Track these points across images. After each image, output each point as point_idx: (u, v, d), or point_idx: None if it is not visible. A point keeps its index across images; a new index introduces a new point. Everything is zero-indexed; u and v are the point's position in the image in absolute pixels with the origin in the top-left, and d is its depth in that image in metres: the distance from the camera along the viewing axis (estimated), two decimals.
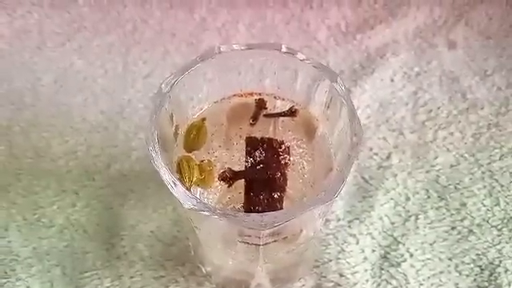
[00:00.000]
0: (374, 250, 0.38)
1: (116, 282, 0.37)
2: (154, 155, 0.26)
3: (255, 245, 0.27)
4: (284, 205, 0.28)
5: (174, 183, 0.25)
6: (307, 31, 0.48)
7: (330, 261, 0.38)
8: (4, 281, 0.37)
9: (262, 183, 0.28)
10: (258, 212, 0.27)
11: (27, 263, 0.38)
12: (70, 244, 0.38)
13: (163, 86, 0.27)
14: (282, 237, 0.27)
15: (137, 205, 0.40)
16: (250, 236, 0.26)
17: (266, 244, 0.27)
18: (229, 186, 0.29)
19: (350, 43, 0.48)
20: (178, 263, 0.38)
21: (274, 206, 0.28)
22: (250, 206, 0.28)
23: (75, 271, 0.37)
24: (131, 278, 0.37)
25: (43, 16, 0.50)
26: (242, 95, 0.31)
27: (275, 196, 0.28)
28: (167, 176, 0.25)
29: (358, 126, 0.26)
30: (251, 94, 0.31)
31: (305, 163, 0.30)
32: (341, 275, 0.37)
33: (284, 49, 0.29)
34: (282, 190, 0.28)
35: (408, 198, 0.40)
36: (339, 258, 0.38)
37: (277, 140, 0.30)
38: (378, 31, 0.48)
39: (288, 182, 0.29)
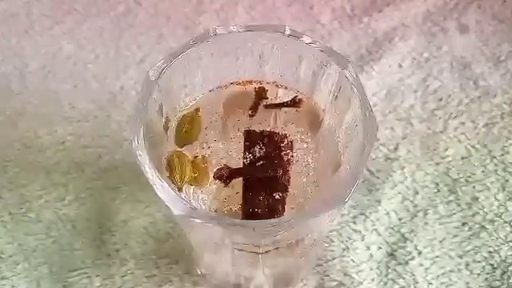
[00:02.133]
0: (380, 248, 0.36)
1: (106, 282, 0.35)
2: (138, 152, 0.23)
3: (254, 253, 0.25)
4: (286, 207, 0.25)
5: (163, 186, 0.22)
6: (310, 14, 0.46)
7: (334, 259, 0.36)
8: None
9: (261, 182, 0.26)
10: (258, 215, 0.25)
11: (12, 261, 0.36)
12: (57, 240, 0.37)
13: (151, 72, 0.25)
14: (284, 243, 0.25)
15: (129, 199, 0.38)
16: (247, 244, 0.24)
17: (266, 252, 0.24)
18: (225, 185, 0.26)
19: (355, 26, 0.45)
20: (172, 261, 0.36)
21: (275, 208, 0.25)
22: (248, 208, 0.25)
23: (63, 269, 0.36)
24: (122, 276, 0.35)
25: None
26: (240, 83, 0.29)
27: (276, 197, 0.25)
28: (154, 178, 0.23)
29: (373, 119, 0.24)
30: (250, 82, 0.29)
31: (309, 160, 0.27)
32: (345, 274, 0.35)
33: (288, 31, 0.26)
34: (285, 189, 0.26)
35: (416, 192, 0.38)
36: (343, 256, 0.36)
37: (278, 134, 0.27)
38: (386, 14, 0.46)
39: (291, 181, 0.26)
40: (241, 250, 0.24)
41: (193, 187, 0.26)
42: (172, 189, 0.22)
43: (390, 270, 0.36)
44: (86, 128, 0.41)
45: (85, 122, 0.41)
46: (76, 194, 0.38)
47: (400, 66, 0.43)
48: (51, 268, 0.36)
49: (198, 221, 0.21)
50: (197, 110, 0.28)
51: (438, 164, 0.39)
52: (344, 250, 0.36)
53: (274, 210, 0.25)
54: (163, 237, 0.37)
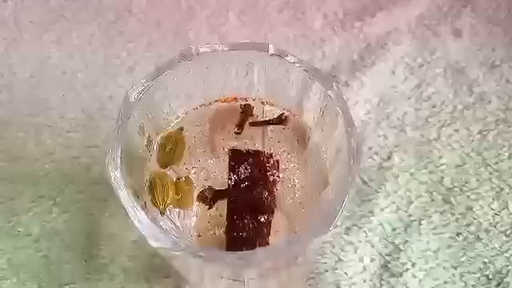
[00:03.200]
0: (373, 259, 0.36)
1: None
2: (113, 177, 0.22)
3: (239, 281, 0.24)
4: (272, 230, 0.25)
5: (139, 216, 0.22)
6: (302, 19, 0.45)
7: (326, 271, 0.35)
8: None
9: (246, 204, 0.25)
10: (243, 239, 0.24)
11: (1, 276, 0.35)
12: (46, 255, 0.36)
13: (130, 92, 0.24)
14: (268, 270, 0.24)
15: (118, 211, 0.37)
16: (231, 274, 0.23)
17: (251, 279, 0.24)
18: (209, 207, 0.26)
19: (348, 32, 0.45)
20: (162, 275, 0.35)
21: (260, 231, 0.24)
22: (232, 232, 0.24)
23: (52, 284, 0.35)
24: None
25: (19, 5, 0.47)
26: (225, 100, 0.28)
27: (262, 219, 0.25)
28: (131, 208, 0.22)
29: (357, 141, 0.23)
30: (236, 99, 0.28)
31: (295, 179, 0.26)
32: (338, 287, 0.35)
33: (271, 50, 0.25)
34: (270, 212, 0.25)
35: (410, 202, 0.37)
36: (336, 269, 0.35)
37: (264, 153, 0.27)
38: (379, 19, 0.45)
39: (277, 203, 0.26)
40: (226, 278, 0.24)
41: (176, 209, 0.26)
42: (149, 217, 0.22)
43: (383, 283, 0.35)
44: (75, 138, 0.40)
45: (74, 132, 0.40)
46: (65, 206, 0.37)
47: (393, 72, 0.43)
48: (40, 283, 0.35)
49: (178, 253, 0.21)
50: (180, 128, 0.28)
51: (431, 172, 0.38)
52: (337, 262, 0.36)
53: (259, 234, 0.24)
54: (153, 250, 0.35)
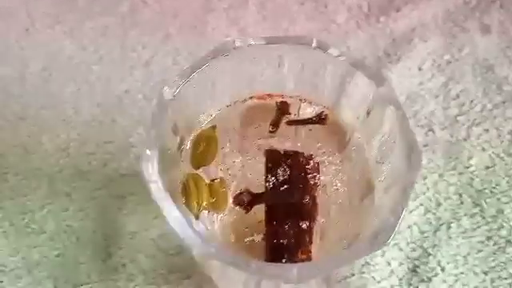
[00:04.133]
0: (401, 263, 0.35)
1: None
2: (151, 184, 0.21)
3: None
4: (314, 238, 0.24)
5: (181, 222, 0.20)
6: (325, 13, 0.44)
7: (353, 275, 0.34)
8: None
9: (286, 209, 0.24)
10: (283, 247, 0.23)
11: (15, 274, 0.34)
12: (62, 253, 0.35)
13: (165, 90, 0.23)
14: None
15: (136, 209, 0.36)
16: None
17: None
18: (246, 212, 0.25)
19: (372, 27, 0.43)
20: (183, 276, 0.34)
21: (302, 239, 0.23)
22: (272, 239, 0.23)
23: (68, 284, 0.34)
24: None
25: None
26: (260, 97, 0.27)
27: (303, 226, 0.23)
28: (171, 214, 0.21)
29: (414, 142, 0.21)
30: (271, 96, 0.27)
31: (338, 183, 0.25)
32: None
33: (315, 43, 0.24)
34: (312, 218, 0.24)
35: (439, 204, 0.36)
36: (363, 272, 0.34)
37: (303, 154, 0.25)
38: (405, 13, 0.44)
39: (318, 208, 0.24)
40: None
41: (210, 213, 0.25)
42: (189, 223, 0.20)
43: (411, 287, 0.34)
44: (91, 133, 0.39)
45: (89, 127, 0.39)
46: (80, 203, 0.37)
47: (420, 68, 0.42)
48: (55, 283, 0.34)
49: (218, 262, 0.20)
50: (213, 127, 0.26)
51: (461, 174, 0.37)
52: (363, 265, 0.35)
53: (300, 242, 0.23)
54: (173, 250, 0.35)
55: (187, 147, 0.26)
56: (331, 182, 0.25)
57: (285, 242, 0.23)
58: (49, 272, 0.34)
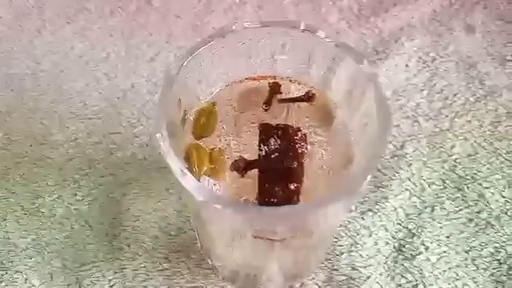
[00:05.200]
0: (387, 243, 0.37)
1: (118, 275, 0.36)
2: (161, 142, 0.24)
3: (270, 239, 0.25)
4: (301, 197, 0.26)
5: (183, 172, 0.23)
6: (318, 13, 0.47)
7: (342, 253, 0.36)
8: (2, 273, 0.36)
9: (277, 173, 0.26)
10: (273, 204, 0.25)
11: (26, 255, 0.36)
12: (70, 235, 0.37)
13: (171, 67, 0.25)
14: (298, 232, 0.25)
15: (140, 194, 0.38)
16: (263, 230, 0.24)
17: (282, 240, 0.25)
18: (241, 177, 0.27)
19: (362, 26, 0.46)
20: (183, 255, 0.36)
21: (290, 198, 0.26)
22: (264, 198, 0.26)
23: (76, 263, 0.36)
24: (134, 270, 0.36)
25: None
26: (254, 78, 0.29)
27: (292, 187, 0.26)
28: (176, 164, 0.23)
29: (388, 113, 0.24)
30: (264, 77, 0.29)
31: (323, 152, 0.27)
32: (353, 268, 0.36)
33: (302, 26, 0.27)
34: (299, 181, 0.26)
35: (423, 189, 0.39)
36: (351, 251, 0.36)
37: (292, 127, 0.28)
38: (393, 14, 0.47)
39: (305, 172, 0.27)
40: (258, 237, 0.25)
41: (209, 178, 0.27)
42: (193, 177, 0.23)
43: (397, 265, 0.36)
44: (98, 125, 0.41)
45: (96, 119, 0.42)
46: (88, 189, 0.39)
47: (407, 65, 0.44)
48: (64, 262, 0.36)
49: (219, 206, 0.22)
50: (213, 103, 0.29)
51: (444, 161, 0.40)
52: (352, 245, 0.37)
53: (289, 200, 0.25)
54: (174, 231, 0.37)
55: (190, 120, 0.28)
56: (317, 151, 0.28)
57: (275, 200, 0.25)
58: (58, 252, 0.36)
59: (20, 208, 0.38)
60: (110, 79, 0.44)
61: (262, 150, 0.27)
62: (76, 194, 0.38)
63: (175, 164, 0.23)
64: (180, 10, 0.47)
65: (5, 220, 0.38)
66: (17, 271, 0.36)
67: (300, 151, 0.27)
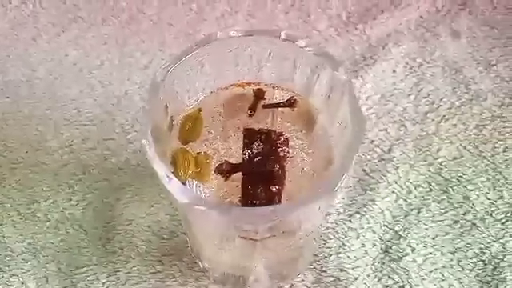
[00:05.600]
0: (375, 244, 0.38)
1: (112, 278, 0.36)
2: (147, 148, 0.25)
3: (253, 240, 0.26)
4: (282, 198, 0.27)
5: (169, 177, 0.24)
6: (307, 21, 0.48)
7: (330, 255, 0.37)
8: None
9: (259, 176, 0.27)
10: (256, 206, 0.26)
11: (22, 259, 0.37)
12: (65, 239, 0.38)
13: (157, 74, 0.26)
14: (280, 231, 0.26)
15: (133, 199, 0.39)
16: (247, 231, 0.25)
17: (263, 239, 0.26)
18: (225, 180, 0.28)
19: (351, 33, 0.47)
20: (175, 258, 0.37)
21: (272, 199, 0.27)
22: (247, 200, 0.27)
23: (71, 267, 0.37)
24: (127, 273, 0.37)
25: (38, 7, 0.49)
26: (239, 85, 0.30)
27: (273, 189, 0.27)
28: (161, 169, 0.24)
29: (360, 116, 0.25)
30: (249, 84, 0.30)
31: (304, 155, 0.29)
32: (341, 270, 0.37)
33: (283, 36, 0.28)
34: (281, 183, 0.27)
35: (410, 191, 0.39)
36: (339, 253, 0.37)
37: (275, 131, 0.29)
38: (380, 21, 0.47)
39: (287, 175, 0.28)
40: (241, 237, 0.26)
41: (195, 182, 0.28)
42: (177, 180, 0.24)
43: (384, 266, 0.37)
44: (92, 131, 0.42)
45: (91, 125, 0.42)
46: (82, 194, 0.39)
47: (394, 70, 0.45)
48: (59, 266, 0.37)
49: (203, 208, 0.23)
50: (199, 109, 0.30)
51: (430, 164, 0.40)
52: (340, 246, 0.37)
53: (271, 201, 0.26)
54: (167, 235, 0.38)
55: (176, 126, 0.29)
56: (298, 154, 0.29)
57: (257, 202, 0.26)
58: (53, 256, 0.37)
59: (16, 213, 0.39)
60: (104, 86, 0.44)
61: (245, 154, 0.28)
62: (71, 199, 0.39)
63: (160, 169, 0.24)
64: (172, 18, 0.48)
65: (1, 225, 0.38)
66: (13, 275, 0.36)
67: (282, 155, 0.28)
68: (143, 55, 0.46)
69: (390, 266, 0.37)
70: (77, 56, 0.46)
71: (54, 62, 0.46)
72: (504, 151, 0.41)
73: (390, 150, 0.41)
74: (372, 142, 0.41)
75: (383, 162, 0.40)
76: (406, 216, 0.38)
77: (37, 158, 0.41)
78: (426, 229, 0.38)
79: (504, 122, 0.42)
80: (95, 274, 0.36)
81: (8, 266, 0.37)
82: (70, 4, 0.49)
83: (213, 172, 0.28)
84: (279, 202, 0.27)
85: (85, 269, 0.37)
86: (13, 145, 0.42)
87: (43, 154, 0.41)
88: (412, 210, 0.39)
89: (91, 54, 0.46)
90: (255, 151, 0.28)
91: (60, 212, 0.39)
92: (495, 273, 0.36)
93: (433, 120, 0.42)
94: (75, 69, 0.45)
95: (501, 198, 0.39)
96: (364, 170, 0.40)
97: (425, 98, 0.43)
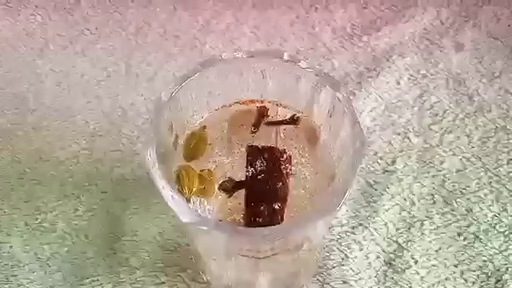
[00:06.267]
0: (378, 257, 0.38)
1: None
2: (151, 166, 0.25)
3: (255, 258, 0.26)
4: (285, 216, 0.27)
5: (173, 197, 0.24)
6: (312, 33, 0.48)
7: (334, 267, 0.37)
8: (6, 286, 0.37)
9: (262, 193, 0.28)
10: (259, 223, 0.27)
11: (28, 269, 0.38)
12: (71, 249, 0.38)
13: (163, 94, 0.27)
14: (283, 249, 0.27)
15: (139, 210, 0.39)
16: (249, 250, 0.26)
17: (266, 257, 0.26)
18: (229, 197, 0.29)
19: (355, 45, 0.47)
20: (179, 269, 0.37)
21: (275, 217, 0.27)
22: (250, 217, 0.27)
23: (76, 277, 0.37)
24: (132, 284, 0.37)
25: (46, 19, 0.50)
26: (243, 102, 0.31)
27: (276, 207, 0.27)
28: (165, 190, 0.25)
29: (361, 135, 0.26)
30: (252, 102, 0.31)
31: (307, 173, 0.29)
32: (344, 282, 0.37)
33: (286, 57, 0.28)
34: (284, 200, 0.28)
35: (413, 203, 0.40)
36: (343, 265, 0.37)
37: (278, 149, 0.29)
38: (384, 33, 0.48)
39: (289, 192, 0.28)
40: (243, 255, 0.26)
41: (200, 198, 0.28)
42: (181, 199, 0.24)
43: (387, 279, 0.37)
44: (99, 143, 0.43)
45: (97, 136, 0.43)
46: (89, 205, 0.40)
47: (398, 82, 0.45)
48: (65, 276, 0.37)
49: (205, 228, 0.23)
50: (204, 127, 0.30)
51: (434, 176, 0.41)
52: (343, 258, 0.38)
53: (273, 219, 0.27)
54: (171, 246, 0.38)
55: (181, 143, 0.30)
56: (301, 172, 0.29)
57: (260, 219, 0.27)
58: (59, 266, 0.38)
59: (23, 223, 0.39)
60: (111, 98, 0.45)
61: (248, 172, 0.29)
62: (77, 210, 0.40)
63: (164, 190, 0.24)
64: (179, 30, 0.48)
65: (9, 235, 0.39)
66: (20, 285, 0.37)
67: (285, 172, 0.29)
68: (149, 67, 0.47)
69: (393, 278, 0.37)
70: (84, 67, 0.47)
71: (62, 74, 0.46)
72: (508, 163, 0.41)
73: (393, 162, 0.41)
74: (376, 153, 0.42)
75: (387, 173, 0.41)
76: (409, 228, 0.39)
77: (44, 169, 0.41)
78: (430, 241, 0.38)
79: (508, 134, 0.42)
80: (101, 284, 0.37)
81: (15, 275, 0.37)
82: (78, 16, 0.50)
83: (217, 189, 0.29)
84: (282, 219, 0.27)
85: (90, 279, 0.37)
86: (20, 155, 0.42)
87: (50, 165, 0.42)
88: (415, 222, 0.39)
89: (98, 65, 0.47)
90: (258, 168, 0.29)
91: (66, 222, 0.39)
92: (498, 285, 0.37)
93: (436, 132, 0.42)
94: (82, 80, 0.46)
95: (504, 210, 0.39)
96: (368, 182, 0.40)
97: (428, 109, 0.44)
